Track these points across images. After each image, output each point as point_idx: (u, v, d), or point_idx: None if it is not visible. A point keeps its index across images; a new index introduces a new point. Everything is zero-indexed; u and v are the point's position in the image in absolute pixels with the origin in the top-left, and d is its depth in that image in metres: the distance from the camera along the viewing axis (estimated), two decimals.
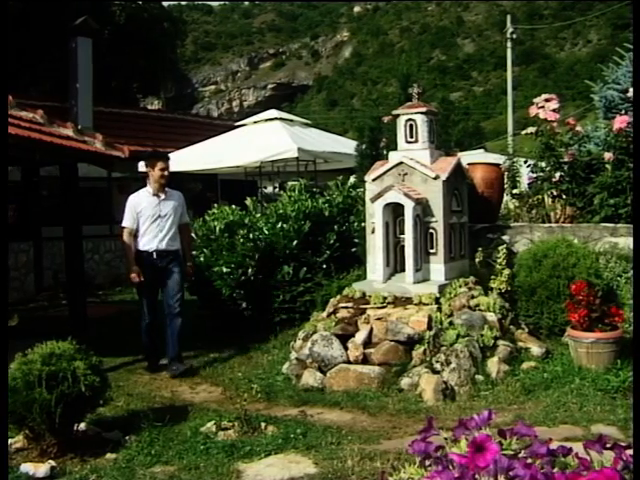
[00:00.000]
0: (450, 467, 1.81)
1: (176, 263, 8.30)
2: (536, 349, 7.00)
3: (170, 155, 14.96)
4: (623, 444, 1.88)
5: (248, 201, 10.34)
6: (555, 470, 1.83)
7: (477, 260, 7.98)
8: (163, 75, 29.63)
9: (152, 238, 8.21)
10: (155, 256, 8.20)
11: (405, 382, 6.41)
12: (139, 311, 8.48)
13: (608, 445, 1.90)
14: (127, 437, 5.63)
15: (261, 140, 13.77)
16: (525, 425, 1.94)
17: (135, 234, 8.25)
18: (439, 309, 6.94)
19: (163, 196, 8.34)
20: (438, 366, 6.43)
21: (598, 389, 6.02)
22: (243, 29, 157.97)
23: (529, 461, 1.82)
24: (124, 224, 8.33)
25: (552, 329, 7.53)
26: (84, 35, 17.74)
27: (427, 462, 1.91)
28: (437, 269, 7.34)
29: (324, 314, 7.55)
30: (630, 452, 1.86)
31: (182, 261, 8.45)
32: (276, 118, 14.91)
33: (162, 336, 8.26)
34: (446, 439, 2.01)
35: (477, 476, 1.70)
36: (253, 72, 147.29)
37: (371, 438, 5.37)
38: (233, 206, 10.22)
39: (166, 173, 8.37)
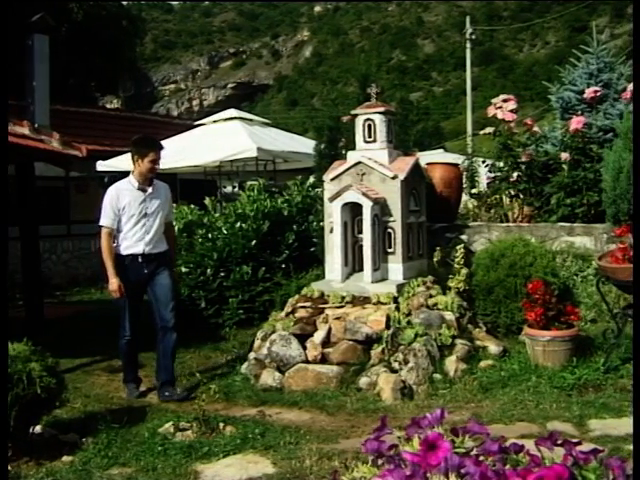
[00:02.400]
0: (403, 465, 1.82)
1: (165, 267, 7.12)
2: (493, 348, 7.05)
3: (128, 155, 14.93)
4: (573, 440, 1.89)
5: (207, 201, 10.30)
6: (507, 467, 1.84)
7: (435, 259, 8.02)
8: (122, 74, 29.41)
9: (138, 240, 6.95)
10: (141, 260, 6.97)
11: (363, 381, 6.42)
12: (118, 323, 7.19)
13: (559, 442, 1.91)
14: (84, 439, 5.56)
15: (220, 140, 13.73)
16: (477, 423, 1.95)
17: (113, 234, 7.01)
18: (397, 308, 6.96)
19: (150, 190, 7.05)
20: (396, 365, 6.45)
21: (554, 386, 6.07)
22: (203, 28, 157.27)
23: (481, 459, 1.83)
24: (103, 222, 6.92)
25: (509, 328, 7.59)
26: (41, 32, 17.52)
27: (380, 461, 1.91)
28: (395, 268, 7.36)
29: (283, 314, 7.54)
30: (580, 448, 1.88)
31: (171, 264, 7.38)
32: (235, 117, 14.89)
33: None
34: (399, 438, 2.01)
35: (429, 474, 1.71)
36: (213, 71, 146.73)
37: (329, 437, 5.37)
38: (192, 206, 10.17)
39: (157, 166, 7.08)
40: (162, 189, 7.25)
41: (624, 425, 5.11)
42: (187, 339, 8.84)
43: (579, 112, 10.10)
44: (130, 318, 7.04)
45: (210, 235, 9.27)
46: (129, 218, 6.93)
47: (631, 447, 4.59)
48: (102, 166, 14.75)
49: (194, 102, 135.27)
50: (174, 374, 7.11)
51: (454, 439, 1.90)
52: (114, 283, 6.80)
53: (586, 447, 1.94)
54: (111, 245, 6.91)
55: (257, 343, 7.42)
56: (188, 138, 15.05)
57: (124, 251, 6.96)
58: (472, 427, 1.93)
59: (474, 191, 10.53)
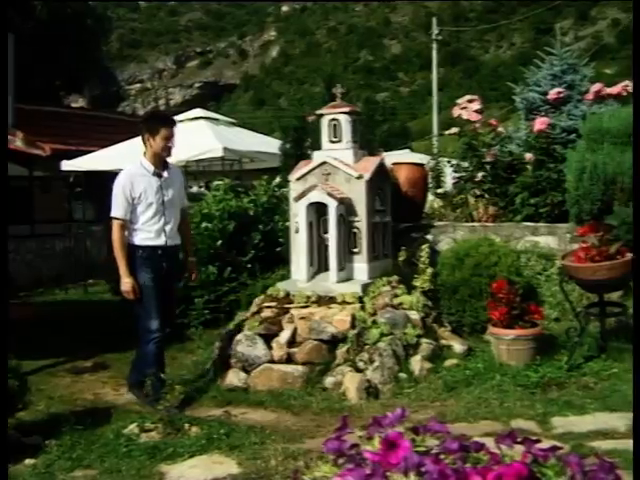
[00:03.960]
0: (363, 465, 1.82)
1: (176, 265, 6.66)
2: (458, 347, 7.09)
3: (94, 154, 14.83)
4: (533, 438, 1.91)
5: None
6: (467, 465, 1.85)
7: (401, 259, 8.04)
8: (87, 72, 29.15)
9: (158, 232, 6.34)
10: (160, 253, 6.36)
11: (329, 381, 6.43)
12: (136, 326, 6.62)
13: (519, 439, 1.93)
14: (47, 442, 5.50)
15: (186, 139, 13.63)
16: (438, 422, 1.96)
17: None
18: (362, 308, 6.97)
19: (166, 175, 6.42)
20: (362, 365, 6.47)
21: (518, 385, 6.12)
22: (170, 27, 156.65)
23: (442, 457, 1.84)
24: (115, 214, 6.25)
25: (474, 327, 7.64)
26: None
27: (341, 460, 1.91)
28: (360, 268, 7.37)
29: (248, 314, 7.52)
30: (539, 446, 1.89)
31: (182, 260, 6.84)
32: (201, 117, 14.82)
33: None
34: (361, 437, 2.01)
35: (388, 473, 1.71)
36: (180, 71, 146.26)
37: (295, 437, 5.37)
38: None
39: (171, 144, 6.39)
40: (177, 173, 6.69)
41: (586, 422, 5.19)
42: None
43: (543, 113, 10.18)
44: (154, 315, 6.35)
45: None
46: (146, 207, 6.28)
47: (594, 444, 4.66)
48: (67, 166, 14.63)
49: (160, 101, 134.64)
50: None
51: (414, 438, 1.91)
52: (127, 283, 6.20)
53: (548, 444, 1.96)
54: (124, 239, 6.25)
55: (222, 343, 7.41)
56: None
57: (141, 242, 6.30)
58: (433, 426, 1.94)
59: (440, 191, 10.57)
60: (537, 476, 1.79)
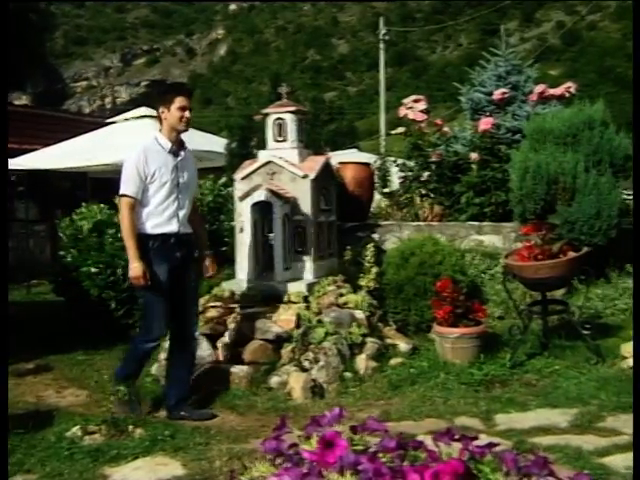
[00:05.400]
0: (301, 464, 1.82)
1: (192, 257, 5.99)
2: (404, 345, 7.12)
3: (38, 152, 14.59)
4: (470, 435, 1.92)
5: (117, 200, 10.13)
6: (405, 463, 1.86)
7: (346, 258, 8.05)
8: (30, 69, 28.72)
9: (170, 217, 5.67)
10: (173, 242, 5.70)
11: (274, 381, 6.41)
12: (144, 322, 6.11)
13: (456, 437, 1.94)
14: None
15: (132, 138, 13.53)
16: (376, 420, 1.96)
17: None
18: (308, 307, 6.97)
19: (183, 155, 5.82)
20: (307, 364, 6.45)
21: (462, 383, 6.16)
22: (116, 24, 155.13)
23: (380, 455, 1.84)
24: (126, 191, 5.60)
25: (419, 325, 7.67)
26: None
27: (279, 460, 1.91)
28: (306, 268, 7.36)
29: None
30: (477, 443, 1.91)
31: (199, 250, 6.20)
32: (147, 116, 14.68)
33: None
34: (300, 437, 2.01)
35: (325, 472, 1.71)
36: (126, 68, 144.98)
37: (240, 437, 5.34)
38: (101, 205, 9.99)
39: (188, 114, 5.75)
40: (191, 157, 6.07)
41: (529, 419, 5.24)
42: (97, 341, 8.69)
43: (488, 113, 10.29)
44: (161, 317, 5.76)
45: (120, 235, 9.11)
46: (159, 188, 5.62)
47: (535, 440, 4.72)
48: (9, 164, 14.39)
49: (107, 99, 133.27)
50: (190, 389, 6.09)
51: (352, 437, 1.91)
52: (137, 268, 5.48)
53: (485, 441, 1.97)
54: (133, 220, 5.56)
55: (167, 344, 7.34)
56: (99, 136, 14.81)
57: (152, 230, 5.64)
58: (371, 424, 1.95)
59: (386, 190, 10.62)
60: (474, 473, 1.80)
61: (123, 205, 5.58)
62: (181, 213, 5.73)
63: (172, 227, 5.67)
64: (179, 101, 5.67)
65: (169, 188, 5.63)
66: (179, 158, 5.75)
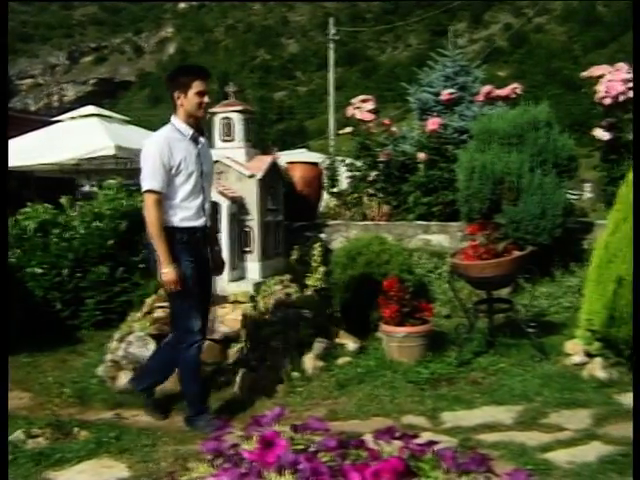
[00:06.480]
0: (241, 464, 1.81)
1: (208, 252, 5.63)
2: (351, 345, 7.13)
3: None
4: (410, 433, 1.94)
5: (63, 199, 10.02)
6: (346, 462, 1.86)
7: (293, 258, 8.06)
8: None
9: (199, 210, 5.28)
10: (200, 236, 5.34)
11: (221, 381, 6.38)
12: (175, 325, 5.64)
13: (397, 435, 1.95)
14: None
15: (77, 137, 13.41)
16: (316, 420, 1.97)
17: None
18: (255, 307, 6.95)
19: (203, 141, 5.45)
20: (254, 364, 6.44)
21: (409, 381, 6.19)
22: (63, 21, 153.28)
23: (320, 455, 1.84)
24: (150, 186, 5.12)
25: (367, 325, 7.68)
26: None
27: (219, 460, 1.90)
28: (253, 267, 7.34)
29: (140, 314, 7.40)
30: (417, 441, 1.92)
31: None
32: (93, 114, 14.57)
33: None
34: (241, 437, 2.01)
35: (265, 472, 1.71)
36: (73, 66, 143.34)
37: (186, 439, 5.30)
38: (46, 204, 9.87)
39: (207, 99, 5.28)
40: (208, 144, 5.71)
41: (475, 416, 5.29)
42: (41, 342, 8.58)
43: (436, 113, 10.37)
44: (196, 311, 5.37)
45: (66, 235, 9.01)
46: (187, 178, 5.20)
47: (481, 437, 4.77)
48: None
49: (53, 98, 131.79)
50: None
51: (293, 436, 1.91)
52: (171, 272, 5.04)
53: (425, 439, 1.98)
54: (162, 219, 5.10)
55: (114, 344, 7.24)
56: (44, 135, 14.66)
57: (180, 223, 5.20)
58: (312, 424, 1.95)
59: (334, 190, 10.66)
60: (413, 470, 1.81)
61: (150, 202, 5.10)
62: (207, 205, 5.41)
63: (200, 221, 5.30)
64: (197, 85, 5.21)
65: (195, 178, 5.24)
66: (200, 145, 5.37)
